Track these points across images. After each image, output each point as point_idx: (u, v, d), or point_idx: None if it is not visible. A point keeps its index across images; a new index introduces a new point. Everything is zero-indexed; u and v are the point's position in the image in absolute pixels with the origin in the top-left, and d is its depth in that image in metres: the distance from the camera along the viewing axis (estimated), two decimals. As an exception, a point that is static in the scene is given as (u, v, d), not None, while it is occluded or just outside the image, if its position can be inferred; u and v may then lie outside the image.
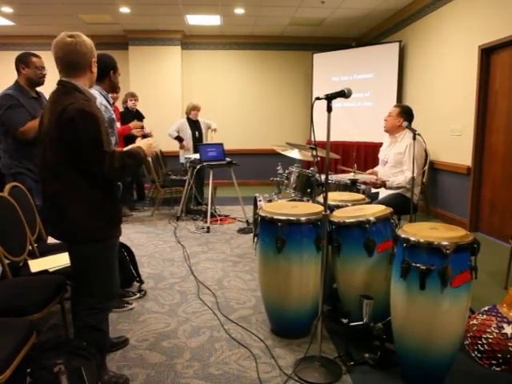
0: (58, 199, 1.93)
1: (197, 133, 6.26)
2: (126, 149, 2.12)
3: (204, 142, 6.32)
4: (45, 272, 2.51)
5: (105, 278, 2.07)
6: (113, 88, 2.94)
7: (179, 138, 6.18)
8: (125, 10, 6.72)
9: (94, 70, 2.05)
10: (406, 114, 3.80)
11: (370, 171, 4.09)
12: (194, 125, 6.25)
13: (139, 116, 6.32)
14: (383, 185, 3.69)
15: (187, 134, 6.17)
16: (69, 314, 2.48)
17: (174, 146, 7.48)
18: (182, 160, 6.22)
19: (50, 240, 3.08)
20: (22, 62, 3.23)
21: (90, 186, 1.93)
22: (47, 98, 2.15)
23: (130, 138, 6.06)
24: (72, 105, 1.84)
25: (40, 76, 3.26)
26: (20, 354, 1.75)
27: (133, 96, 6.29)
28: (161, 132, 7.50)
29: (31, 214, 2.93)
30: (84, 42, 1.97)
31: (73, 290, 2.23)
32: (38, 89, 3.36)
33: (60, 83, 1.98)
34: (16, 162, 3.21)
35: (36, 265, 2.59)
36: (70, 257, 2.09)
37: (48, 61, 3.32)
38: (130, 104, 6.24)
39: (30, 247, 2.75)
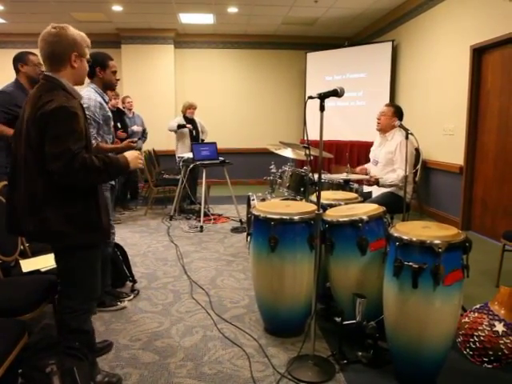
0: (34, 200, 1.81)
1: (194, 131, 6.25)
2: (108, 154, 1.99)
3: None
4: (36, 272, 2.49)
5: (84, 282, 2.01)
6: (106, 85, 2.91)
7: (182, 126, 6.07)
8: (117, 8, 6.69)
9: (76, 65, 1.91)
10: (399, 113, 3.83)
11: (359, 168, 4.10)
12: (191, 123, 6.23)
13: (120, 114, 6.23)
14: (376, 182, 3.70)
15: (185, 131, 6.15)
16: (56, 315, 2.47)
17: (167, 145, 7.47)
18: (177, 159, 6.19)
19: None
20: (19, 61, 3.28)
21: (65, 189, 1.82)
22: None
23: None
24: (51, 101, 1.75)
25: (38, 73, 3.29)
26: (11, 354, 1.73)
27: (116, 94, 6.20)
28: (154, 131, 7.50)
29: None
30: (65, 34, 1.86)
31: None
32: None
33: (45, 78, 1.90)
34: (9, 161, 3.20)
35: (27, 265, 2.57)
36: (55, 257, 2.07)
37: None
38: (112, 102, 6.13)
39: (22, 247, 2.73)
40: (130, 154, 1.99)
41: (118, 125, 5.99)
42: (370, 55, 7.28)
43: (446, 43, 5.43)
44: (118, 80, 3.04)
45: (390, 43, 6.91)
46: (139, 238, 4.91)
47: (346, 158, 5.84)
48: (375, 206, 2.64)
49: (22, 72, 3.28)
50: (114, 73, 2.92)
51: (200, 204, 5.60)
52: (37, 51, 3.34)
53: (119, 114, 6.17)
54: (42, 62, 3.26)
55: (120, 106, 6.34)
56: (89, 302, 2.06)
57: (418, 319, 2.02)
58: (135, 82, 8.15)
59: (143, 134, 6.68)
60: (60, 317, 2.05)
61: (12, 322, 1.91)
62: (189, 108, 6.14)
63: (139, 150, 6.47)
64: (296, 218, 2.51)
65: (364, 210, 2.53)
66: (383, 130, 3.88)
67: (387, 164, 3.80)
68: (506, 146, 4.51)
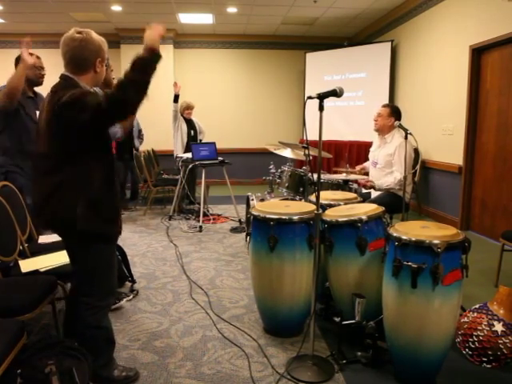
0: (57, 192, 1.88)
1: (192, 131, 6.24)
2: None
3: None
4: (36, 272, 2.49)
5: (102, 279, 2.06)
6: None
7: (176, 97, 6.02)
8: (117, 8, 6.69)
9: (99, 70, 1.98)
10: (396, 113, 3.83)
11: (359, 167, 4.11)
12: (189, 123, 6.23)
13: None
14: (373, 187, 3.72)
15: (183, 129, 6.14)
16: (60, 314, 2.47)
17: (166, 145, 7.47)
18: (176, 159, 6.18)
19: (41, 240, 3.06)
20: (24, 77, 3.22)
21: (88, 176, 1.88)
22: (44, 98, 2.12)
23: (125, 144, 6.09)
24: (68, 95, 1.79)
25: (39, 76, 3.28)
26: (10, 354, 1.73)
27: None
28: (153, 131, 7.51)
29: (22, 214, 2.90)
30: (91, 40, 1.91)
31: (72, 289, 2.26)
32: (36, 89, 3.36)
33: (62, 77, 1.94)
34: (8, 160, 3.18)
35: (27, 265, 2.56)
36: (70, 255, 2.09)
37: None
38: None
39: (21, 247, 2.72)
40: (147, 35, 1.83)
41: None
42: (369, 55, 7.28)
43: (446, 43, 5.43)
44: (114, 79, 3.05)
45: (390, 43, 6.92)
46: (138, 238, 4.91)
47: (346, 157, 5.86)
48: (374, 205, 2.64)
49: None
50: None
51: (199, 204, 5.59)
52: (35, 51, 3.37)
53: None
54: (43, 66, 3.28)
55: None
56: (107, 298, 2.10)
57: (417, 319, 2.02)
58: (134, 82, 8.11)
59: (139, 135, 6.67)
60: (77, 313, 2.07)
61: (11, 322, 1.90)
62: (186, 109, 6.13)
63: (136, 150, 6.49)
64: (295, 218, 2.51)
65: (363, 210, 2.53)
66: (381, 130, 3.88)
67: (386, 166, 3.80)
68: (505, 145, 4.51)
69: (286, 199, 3.78)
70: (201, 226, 5.22)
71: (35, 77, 3.26)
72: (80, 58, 1.91)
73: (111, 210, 2.00)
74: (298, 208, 2.64)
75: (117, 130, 2.73)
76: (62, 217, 1.92)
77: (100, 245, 2.00)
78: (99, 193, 1.92)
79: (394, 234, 2.09)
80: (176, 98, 5.98)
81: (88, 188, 1.88)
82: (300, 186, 3.85)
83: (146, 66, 1.80)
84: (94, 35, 1.95)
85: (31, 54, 3.26)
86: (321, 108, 2.13)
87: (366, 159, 4.24)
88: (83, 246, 1.98)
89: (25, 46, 2.91)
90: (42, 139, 1.92)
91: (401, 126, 3.26)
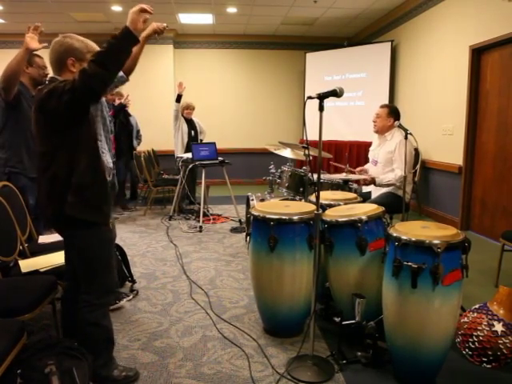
0: (53, 186, 1.94)
1: (192, 132, 6.24)
2: None
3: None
4: (36, 272, 2.49)
5: (101, 276, 2.08)
6: None
7: (178, 96, 6.03)
8: (117, 8, 6.68)
9: (75, 69, 2.01)
10: (395, 113, 3.83)
11: (359, 169, 4.09)
12: (190, 123, 6.22)
13: (124, 109, 6.23)
14: (373, 181, 3.70)
15: (184, 129, 6.13)
16: (60, 314, 2.47)
17: (166, 146, 7.46)
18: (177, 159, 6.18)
19: (41, 240, 3.06)
20: (25, 61, 3.22)
21: (74, 162, 1.92)
22: None
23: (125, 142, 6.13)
24: (48, 88, 1.89)
25: (42, 75, 3.28)
26: (10, 354, 1.73)
27: (120, 94, 6.20)
28: (153, 131, 7.50)
29: (22, 214, 2.90)
30: (63, 41, 2.01)
31: (68, 288, 2.26)
32: None
33: (48, 79, 2.07)
34: (13, 156, 3.14)
35: (26, 265, 2.56)
36: (67, 252, 2.13)
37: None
38: (116, 102, 6.14)
39: (21, 247, 2.72)
40: (129, 16, 1.97)
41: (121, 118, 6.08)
42: (369, 55, 7.28)
43: (446, 43, 5.43)
44: None
45: (390, 43, 6.92)
46: (138, 238, 4.91)
47: (346, 157, 5.85)
48: (374, 206, 2.64)
49: (26, 73, 3.22)
50: None
51: (199, 204, 5.59)
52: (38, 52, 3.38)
53: (122, 110, 6.18)
54: (46, 65, 3.30)
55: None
56: (105, 296, 2.13)
57: (417, 319, 2.02)
58: (134, 83, 8.05)
59: (137, 136, 6.68)
60: (65, 315, 2.11)
61: (11, 322, 1.90)
62: (186, 109, 6.12)
63: (134, 150, 6.49)
64: (295, 218, 2.51)
65: (363, 210, 2.53)
66: (380, 131, 3.88)
67: (387, 164, 3.80)
68: (504, 145, 4.51)
69: (286, 199, 3.78)
70: (201, 226, 5.22)
71: (39, 76, 3.26)
72: (53, 58, 2.04)
73: (98, 197, 2.02)
74: (297, 208, 2.64)
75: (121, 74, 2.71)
76: (60, 211, 1.95)
77: (95, 244, 2.04)
78: (84, 178, 1.95)
79: (394, 234, 2.09)
80: (179, 98, 5.98)
81: (73, 173, 1.92)
82: (300, 186, 3.85)
83: (116, 44, 1.85)
84: (72, 37, 2.04)
85: (37, 55, 3.26)
86: (321, 108, 2.13)
87: (366, 159, 4.23)
88: (83, 244, 2.01)
89: (31, 31, 2.88)
90: (37, 138, 2.00)
91: (401, 126, 3.26)
